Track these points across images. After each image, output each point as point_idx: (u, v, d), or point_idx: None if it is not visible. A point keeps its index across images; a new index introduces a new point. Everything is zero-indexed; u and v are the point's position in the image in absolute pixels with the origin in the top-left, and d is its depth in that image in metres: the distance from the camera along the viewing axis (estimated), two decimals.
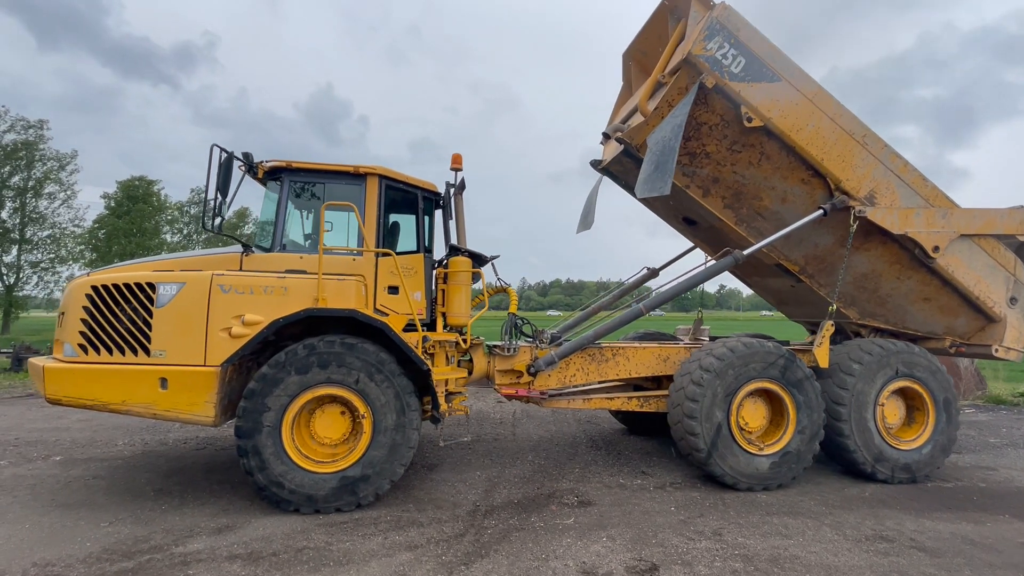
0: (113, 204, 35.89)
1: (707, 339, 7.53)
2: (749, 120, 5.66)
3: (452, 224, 6.43)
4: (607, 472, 5.93)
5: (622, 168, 7.02)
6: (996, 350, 6.13)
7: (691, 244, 8.19)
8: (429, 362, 5.21)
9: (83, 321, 4.56)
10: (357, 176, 5.39)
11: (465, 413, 5.30)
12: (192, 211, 42.67)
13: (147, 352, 4.55)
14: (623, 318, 6.07)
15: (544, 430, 8.00)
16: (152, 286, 4.62)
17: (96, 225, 35.97)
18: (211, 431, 7.50)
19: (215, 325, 4.61)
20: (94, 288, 4.61)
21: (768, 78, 5.71)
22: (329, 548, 3.96)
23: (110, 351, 4.56)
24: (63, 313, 4.76)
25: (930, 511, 4.89)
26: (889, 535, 4.32)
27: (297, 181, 5.38)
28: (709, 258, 8.06)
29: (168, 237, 40.50)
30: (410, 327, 5.21)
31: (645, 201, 7.55)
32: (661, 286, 6.54)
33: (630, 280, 8.20)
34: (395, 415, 4.76)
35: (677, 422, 5.51)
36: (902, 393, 5.88)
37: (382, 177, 5.44)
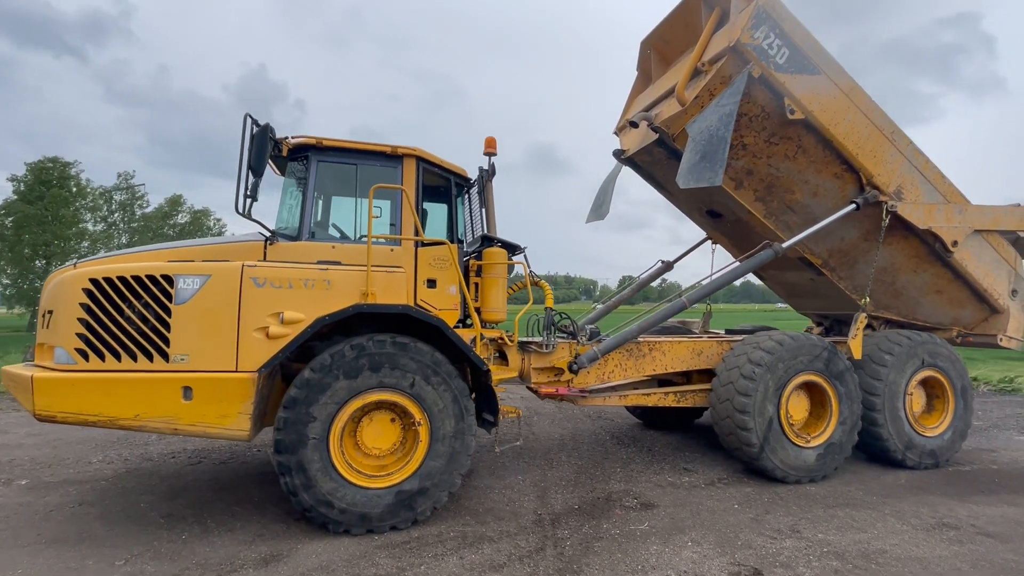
0: (23, 188, 31.98)
1: (698, 332, 7.53)
2: (792, 112, 5.63)
3: (479, 213, 6.04)
4: (649, 470, 5.78)
5: (650, 158, 6.85)
6: (1000, 339, 6.52)
7: (703, 238, 8.20)
8: None
9: (82, 322, 3.81)
10: (393, 157, 4.87)
11: (517, 415, 4.96)
12: (119, 197, 38.92)
13: (165, 357, 3.87)
14: (666, 312, 5.93)
15: (561, 428, 7.76)
16: (169, 279, 3.93)
17: (2, 211, 31.95)
18: (199, 442, 6.69)
19: (248, 324, 3.99)
20: (94, 282, 3.86)
21: (810, 70, 5.70)
22: (403, 574, 3.52)
23: (117, 356, 3.84)
24: (49, 312, 3.97)
25: (968, 495, 5.09)
26: (950, 522, 4.42)
27: (326, 161, 4.78)
28: (711, 250, 8.22)
29: (90, 226, 36.70)
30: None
31: (666, 191, 7.46)
32: (703, 279, 6.45)
33: (645, 274, 8.11)
34: (453, 421, 4.33)
35: (725, 417, 5.44)
36: (923, 382, 6.11)
37: (419, 159, 4.95)
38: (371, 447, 4.28)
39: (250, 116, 4.06)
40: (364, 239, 4.90)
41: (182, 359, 3.88)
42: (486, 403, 4.70)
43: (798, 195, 6.26)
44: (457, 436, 4.34)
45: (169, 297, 3.92)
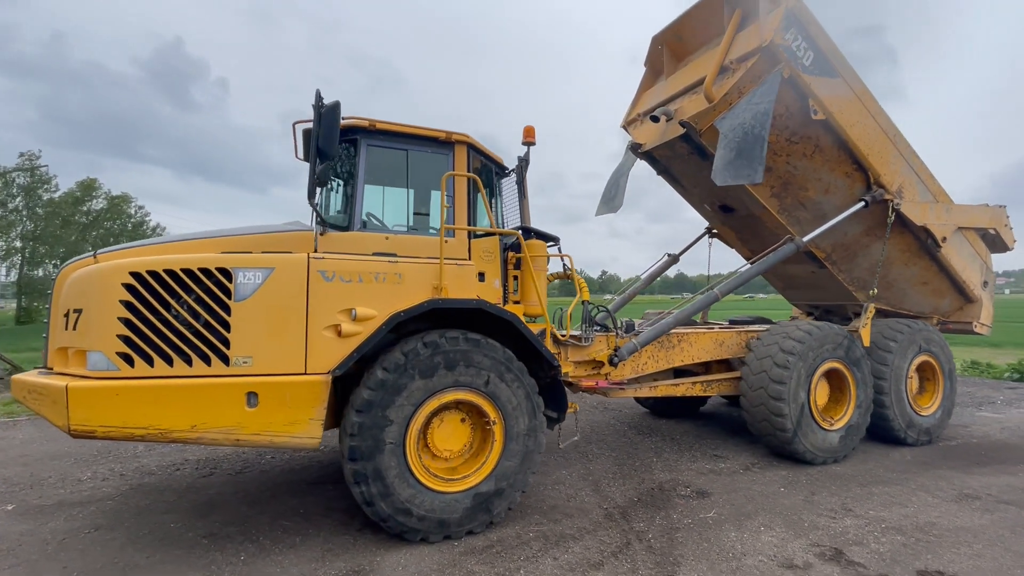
0: None
1: (699, 323, 7.82)
2: (815, 113, 5.90)
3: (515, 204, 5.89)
4: (683, 458, 5.92)
5: (671, 153, 6.96)
6: (975, 326, 7.25)
7: (702, 232, 8.47)
8: None
9: (124, 322, 3.32)
10: (446, 144, 4.62)
11: (574, 409, 4.88)
12: (20, 180, 34.67)
13: (225, 360, 3.45)
14: (700, 304, 6.08)
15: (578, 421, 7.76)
16: (227, 272, 3.50)
17: None
18: (199, 451, 6.09)
19: (317, 322, 3.65)
20: (136, 276, 3.37)
21: (830, 73, 6.00)
22: None
23: (168, 361, 3.38)
24: (75, 311, 3.42)
25: (968, 468, 5.63)
26: (970, 493, 4.87)
27: (376, 145, 4.45)
28: (709, 243, 8.54)
29: None
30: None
31: (680, 185, 7.62)
32: (734, 271, 6.63)
33: (654, 267, 8.27)
34: (527, 418, 4.20)
35: (759, 404, 5.67)
36: (919, 366, 6.67)
37: (470, 147, 4.74)
38: (442, 449, 4.07)
39: (319, 92, 3.68)
40: (415, 230, 4.66)
41: (245, 362, 3.48)
42: (551, 399, 4.60)
43: (811, 192, 6.60)
44: (530, 434, 4.21)
45: (228, 293, 3.50)
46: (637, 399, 8.28)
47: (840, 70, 6.08)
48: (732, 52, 6.12)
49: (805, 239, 6.28)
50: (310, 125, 4.39)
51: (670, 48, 7.38)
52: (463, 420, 4.16)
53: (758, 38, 5.79)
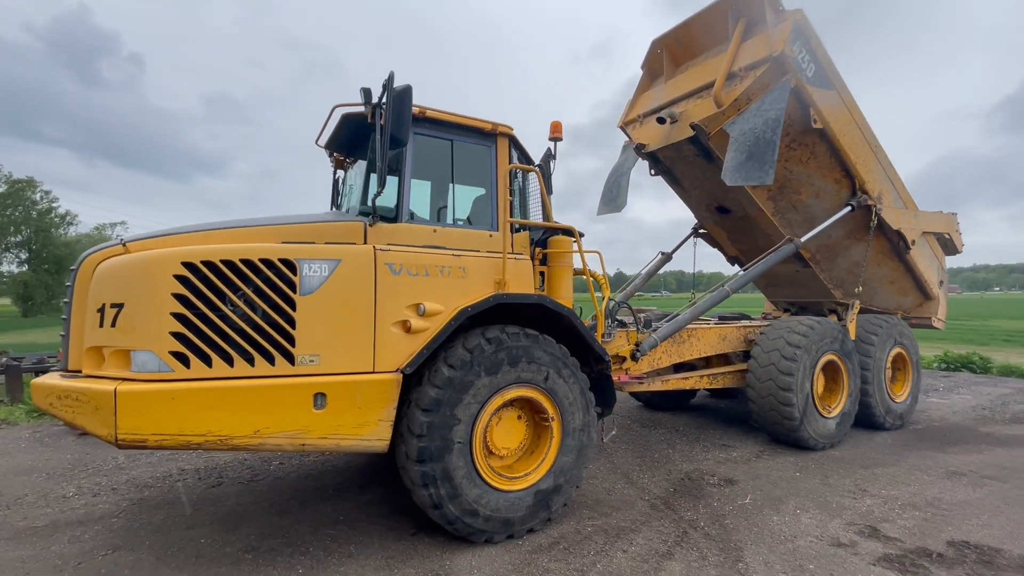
0: None
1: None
2: (814, 122, 6.31)
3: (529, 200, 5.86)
4: (696, 448, 6.15)
5: (676, 154, 7.18)
6: (934, 321, 8.05)
7: (690, 232, 8.83)
8: None
9: (177, 317, 2.98)
10: (490, 136, 4.52)
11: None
12: None
13: (290, 359, 3.19)
14: (712, 300, 6.32)
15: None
16: (291, 264, 3.24)
17: None
18: (191, 459, 5.59)
19: (385, 318, 3.46)
20: (190, 268, 3.04)
21: (827, 86, 6.43)
22: None
23: (229, 361, 3.08)
24: (114, 307, 3.04)
25: (942, 448, 6.25)
26: (955, 470, 5.41)
27: (423, 134, 4.27)
28: (694, 243, 8.94)
29: None
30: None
31: (680, 185, 7.88)
32: (742, 270, 6.92)
33: (650, 265, 8.52)
34: (581, 414, 4.20)
35: (767, 395, 5.99)
36: (894, 357, 7.31)
37: (512, 139, 4.67)
38: (500, 447, 3.98)
39: (392, 74, 3.47)
40: (460, 223, 4.53)
41: (311, 360, 3.23)
42: (598, 393, 4.62)
43: (804, 196, 7.05)
44: (584, 429, 4.22)
45: (292, 286, 3.23)
46: (632, 393, 8.51)
47: (835, 83, 6.53)
48: (739, 60, 6.40)
49: (803, 239, 6.70)
50: (353, 110, 4.18)
51: (670, 52, 7.61)
52: (519, 417, 4.10)
53: (767, 48, 6.10)
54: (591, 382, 4.54)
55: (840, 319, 7.40)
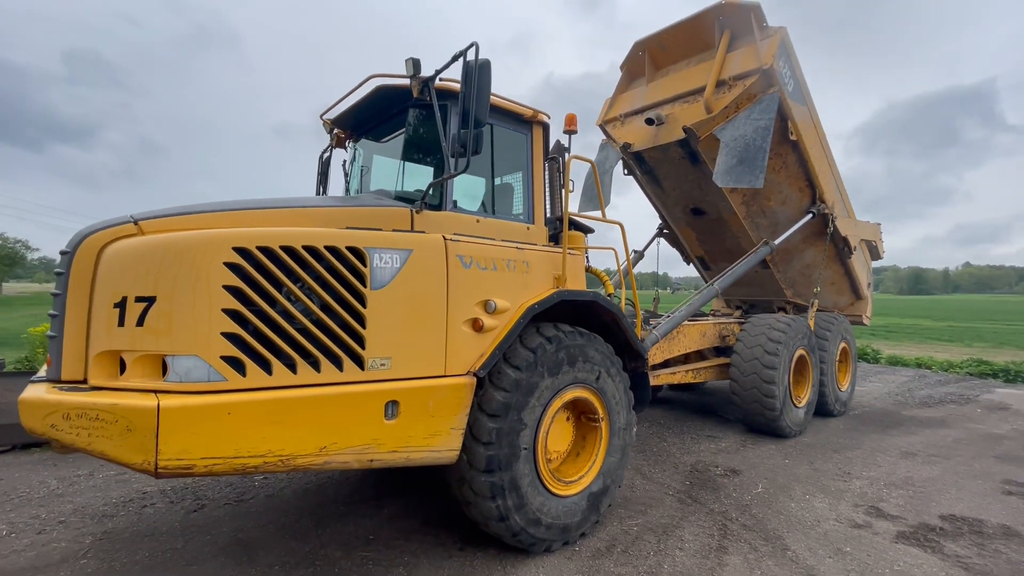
0: None
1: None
2: (791, 134, 6.81)
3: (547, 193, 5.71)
4: (687, 441, 6.38)
5: (662, 156, 7.37)
6: (863, 318, 9.07)
7: (656, 232, 9.18)
8: None
9: (231, 315, 2.46)
10: (527, 123, 4.31)
11: None
12: None
13: (359, 363, 2.77)
14: (704, 298, 6.57)
15: None
16: (360, 254, 2.81)
17: None
18: (144, 480, 4.75)
19: (457, 315, 3.14)
20: (242, 253, 2.53)
21: (801, 101, 6.96)
22: None
23: (291, 366, 2.60)
24: (143, 300, 2.44)
25: (885, 431, 7.06)
26: (907, 451, 6.13)
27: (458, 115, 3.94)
28: (656, 242, 9.35)
29: None
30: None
31: (659, 186, 8.11)
32: (728, 270, 7.22)
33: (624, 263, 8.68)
34: (625, 412, 4.14)
35: (752, 388, 6.37)
36: (840, 351, 8.13)
37: (545, 127, 4.49)
38: (551, 451, 3.80)
39: (477, 46, 3.10)
40: (500, 214, 4.27)
41: (382, 364, 2.83)
42: (644, 390, 4.57)
43: (772, 202, 7.58)
44: (627, 428, 4.17)
45: (362, 279, 2.80)
46: None
47: (807, 99, 7.08)
48: (727, 69, 6.71)
49: (776, 242, 7.21)
50: (393, 82, 3.75)
51: (651, 55, 7.80)
52: (567, 419, 3.95)
53: (756, 60, 6.45)
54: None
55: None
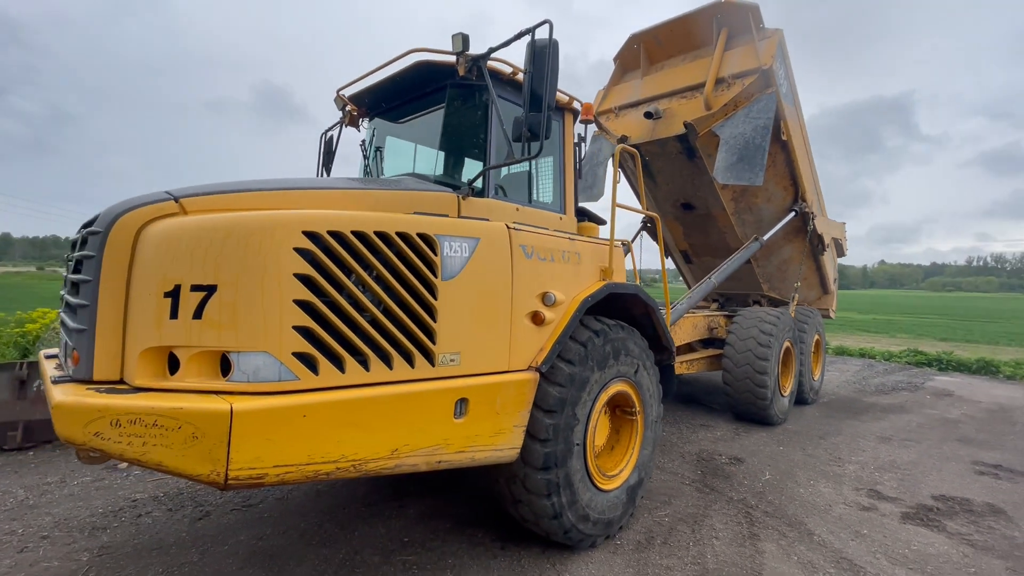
0: None
1: None
2: (782, 134, 7.06)
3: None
4: (685, 431, 6.54)
5: (660, 150, 7.44)
6: (830, 312, 9.63)
7: (641, 225, 9.32)
8: None
9: (303, 307, 2.22)
10: (560, 109, 4.19)
11: None
12: None
13: (430, 359, 2.59)
14: (702, 291, 6.71)
15: None
16: (430, 241, 2.61)
17: None
18: (126, 481, 4.31)
19: (519, 308, 3.00)
20: (313, 238, 2.28)
21: (791, 102, 7.23)
22: (705, 567, 3.36)
23: (364, 363, 2.39)
24: (200, 289, 2.16)
25: (856, 417, 7.55)
26: (883, 436, 6.58)
27: (504, 98, 3.77)
28: (639, 236, 9.52)
29: None
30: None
31: (652, 179, 8.19)
32: (723, 265, 7.37)
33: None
34: (656, 405, 4.16)
35: (745, 378, 6.60)
36: (815, 342, 8.59)
37: (576, 114, 4.39)
38: (595, 445, 3.75)
39: (551, 24, 2.92)
40: (537, 203, 4.14)
41: (452, 360, 2.66)
42: (669, 383, 4.60)
43: (759, 200, 7.85)
44: (657, 420, 4.19)
45: (433, 268, 2.61)
46: None
47: (796, 101, 7.36)
48: (725, 68, 6.85)
49: (765, 238, 7.48)
50: (436, 58, 3.51)
51: (647, 49, 7.86)
52: (604, 412, 3.91)
53: (755, 60, 6.62)
54: None
55: None
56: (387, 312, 2.46)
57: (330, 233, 2.31)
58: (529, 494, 3.20)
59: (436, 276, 2.62)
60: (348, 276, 2.36)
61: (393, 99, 4.06)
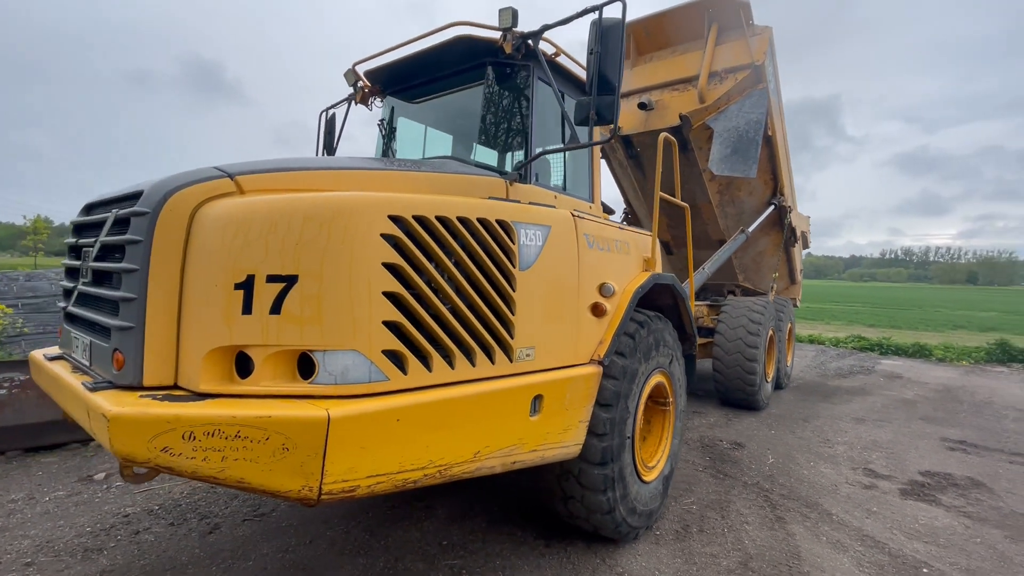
0: None
1: None
2: (769, 129, 7.29)
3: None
4: None
5: (652, 141, 7.47)
6: (796, 301, 10.15)
7: (623, 215, 9.41)
8: None
9: (391, 299, 2.00)
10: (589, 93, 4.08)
11: None
12: None
13: (509, 354, 2.43)
14: (698, 280, 6.84)
15: None
16: (508, 229, 2.44)
17: None
18: (114, 496, 3.87)
19: (584, 298, 2.88)
20: (399, 224, 2.06)
21: (778, 99, 7.47)
22: (745, 554, 3.43)
23: (449, 360, 2.20)
24: (278, 280, 1.90)
25: (828, 399, 8.01)
26: (858, 417, 7.01)
27: (544, 80, 3.61)
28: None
29: None
30: None
31: (641, 171, 8.23)
32: (715, 256, 7.49)
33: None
34: (683, 395, 4.18)
35: (735, 366, 6.82)
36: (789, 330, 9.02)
37: None
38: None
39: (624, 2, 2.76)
40: (564, 190, 4.03)
41: (527, 355, 2.51)
42: (691, 373, 4.62)
43: (742, 193, 8.09)
44: (684, 410, 4.21)
45: (511, 258, 2.44)
46: None
47: (780, 97, 7.61)
48: (718, 62, 6.98)
49: (750, 229, 7.73)
50: (479, 33, 3.30)
51: (636, 40, 7.87)
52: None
53: (747, 56, 6.77)
54: None
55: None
56: (470, 305, 2.27)
57: (415, 218, 2.09)
58: (584, 490, 3.12)
59: (514, 266, 2.45)
60: (441, 269, 2.16)
61: (420, 76, 3.80)
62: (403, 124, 4.19)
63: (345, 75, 4.19)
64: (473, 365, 2.28)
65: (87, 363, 2.17)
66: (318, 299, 1.89)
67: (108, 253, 2.15)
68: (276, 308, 1.87)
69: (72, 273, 2.50)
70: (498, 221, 2.40)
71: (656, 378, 3.67)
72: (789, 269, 9.80)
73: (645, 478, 3.55)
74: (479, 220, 2.32)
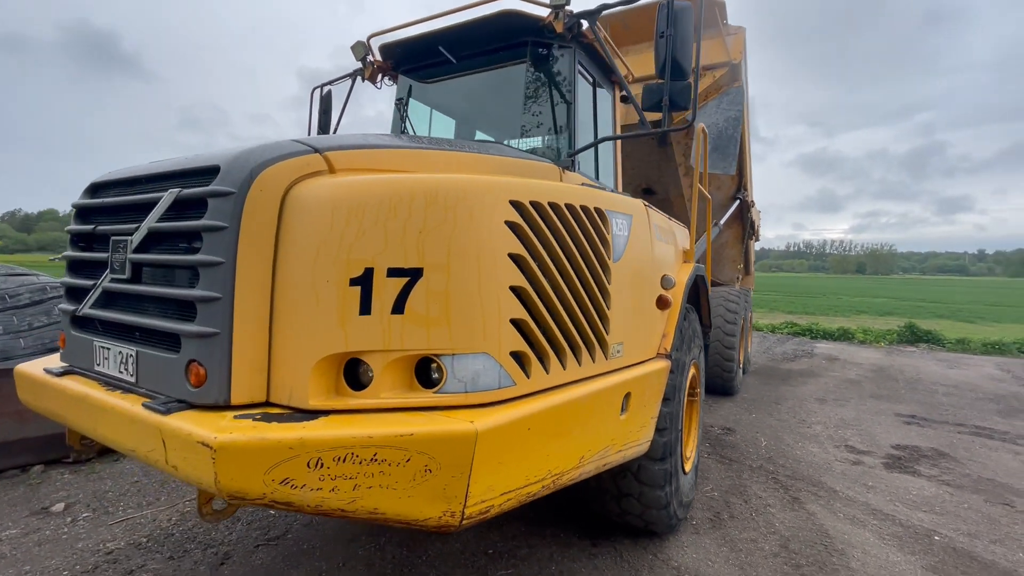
0: None
1: None
2: (738, 124, 7.60)
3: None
4: None
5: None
6: (751, 291, 10.75)
7: None
8: None
9: (519, 295, 1.80)
10: (612, 82, 4.02)
11: None
12: None
13: (605, 351, 2.29)
14: None
15: None
16: (604, 218, 2.29)
17: None
18: (92, 536, 3.31)
19: (654, 291, 2.78)
20: (520, 211, 1.85)
21: (747, 97, 7.79)
22: (779, 541, 3.54)
23: (562, 360, 2.02)
24: (400, 274, 1.64)
25: (787, 382, 8.57)
26: (819, 398, 7.54)
27: (583, 66, 3.49)
28: None
29: None
30: None
31: None
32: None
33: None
34: (704, 387, 4.23)
35: (715, 353, 7.09)
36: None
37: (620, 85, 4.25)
38: None
39: None
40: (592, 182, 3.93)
41: (618, 351, 2.38)
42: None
43: (712, 187, 8.39)
44: (703, 401, 4.27)
45: (608, 248, 2.28)
46: None
47: (747, 95, 7.95)
48: (704, 60, 7.16)
49: (722, 222, 8.04)
50: (526, 8, 3.10)
51: (613, 32, 7.88)
52: None
53: (724, 54, 7.00)
54: None
55: None
56: (578, 299, 2.10)
57: (533, 204, 1.89)
58: (643, 486, 3.05)
59: (610, 257, 2.31)
60: (557, 262, 1.97)
61: (447, 53, 3.51)
62: (414, 106, 3.89)
63: (353, 48, 3.81)
64: (579, 364, 2.11)
65: (131, 379, 1.76)
66: (445, 296, 1.64)
67: (156, 243, 1.75)
68: (399, 307, 1.60)
69: (82, 268, 2.03)
70: (596, 209, 2.24)
71: (692, 370, 3.68)
72: (745, 261, 10.36)
73: (686, 469, 3.56)
74: (582, 208, 2.15)
